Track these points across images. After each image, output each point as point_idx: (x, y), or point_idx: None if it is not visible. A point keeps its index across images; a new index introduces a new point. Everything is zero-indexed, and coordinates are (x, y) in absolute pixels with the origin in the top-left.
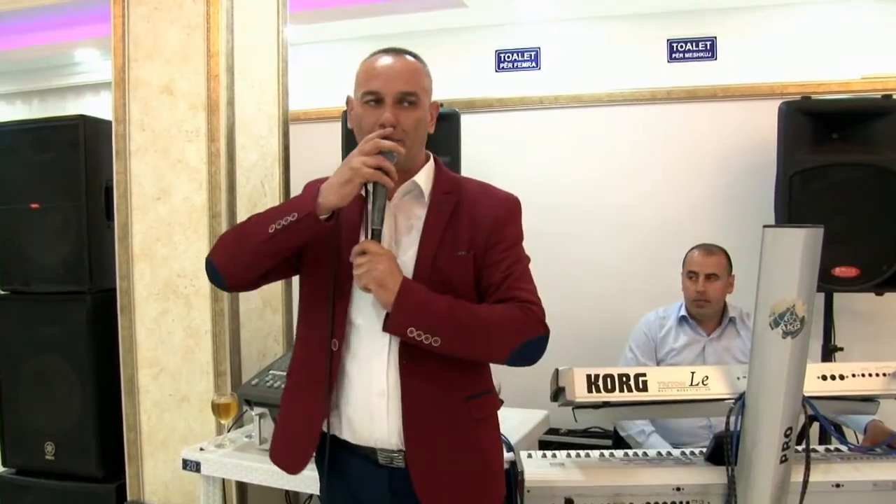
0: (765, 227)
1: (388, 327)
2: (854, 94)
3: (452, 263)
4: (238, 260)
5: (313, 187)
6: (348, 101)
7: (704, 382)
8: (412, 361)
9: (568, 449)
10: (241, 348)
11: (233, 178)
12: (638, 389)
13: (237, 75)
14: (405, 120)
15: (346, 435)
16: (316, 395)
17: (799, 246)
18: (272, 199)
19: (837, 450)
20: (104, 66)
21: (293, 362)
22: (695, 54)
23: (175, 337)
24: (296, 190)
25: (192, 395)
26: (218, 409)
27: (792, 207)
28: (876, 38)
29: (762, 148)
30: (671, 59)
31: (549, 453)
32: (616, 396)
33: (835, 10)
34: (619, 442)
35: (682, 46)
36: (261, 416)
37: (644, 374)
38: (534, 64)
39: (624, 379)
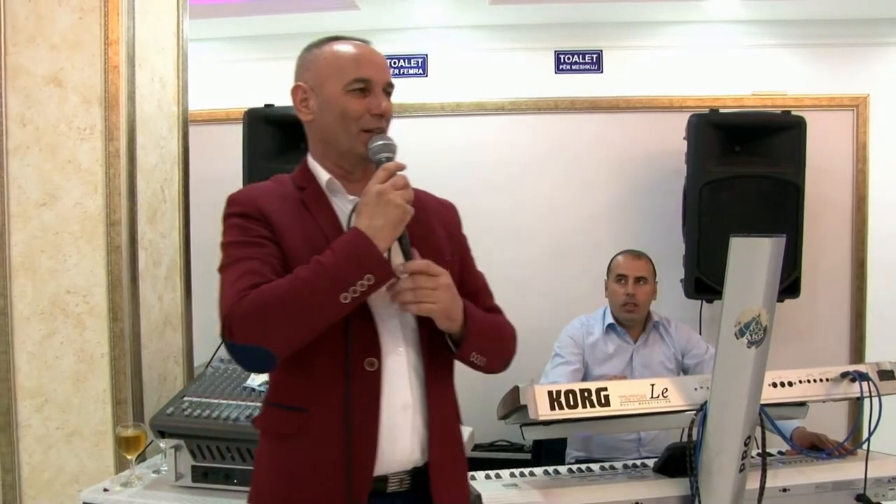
0: (732, 236)
1: (461, 354)
2: (748, 109)
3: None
4: (299, 338)
5: (275, 210)
6: (300, 90)
7: (665, 394)
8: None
9: (490, 465)
10: (142, 373)
11: (133, 181)
12: (600, 404)
13: (137, 67)
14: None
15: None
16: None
17: (765, 255)
18: (171, 207)
19: (769, 454)
20: None
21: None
22: (581, 66)
23: (64, 362)
24: (196, 196)
25: (85, 428)
26: (125, 443)
27: (702, 217)
28: (763, 57)
29: (661, 159)
30: (558, 70)
31: (491, 473)
32: (579, 412)
33: (720, 29)
34: (540, 453)
35: (569, 58)
36: (176, 448)
37: (605, 388)
38: (420, 70)
39: (586, 394)
